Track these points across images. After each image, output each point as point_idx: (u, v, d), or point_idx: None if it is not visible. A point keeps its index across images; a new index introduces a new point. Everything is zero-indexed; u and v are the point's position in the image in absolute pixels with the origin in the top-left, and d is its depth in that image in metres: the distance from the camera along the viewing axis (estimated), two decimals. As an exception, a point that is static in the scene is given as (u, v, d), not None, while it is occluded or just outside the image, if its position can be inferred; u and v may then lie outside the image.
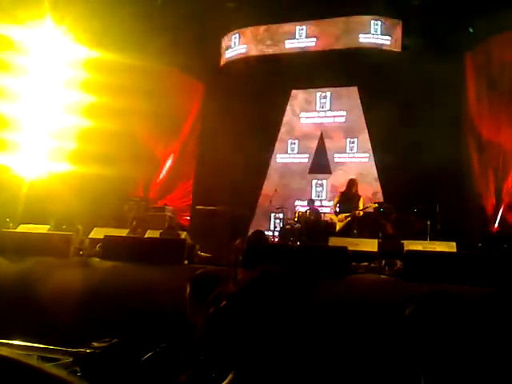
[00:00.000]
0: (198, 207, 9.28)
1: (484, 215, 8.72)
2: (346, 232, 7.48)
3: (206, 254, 6.69)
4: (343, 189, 8.20)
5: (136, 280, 5.11)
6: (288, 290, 1.12)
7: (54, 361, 3.16)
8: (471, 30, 9.35)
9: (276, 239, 9.01)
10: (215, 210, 8.97)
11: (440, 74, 8.66)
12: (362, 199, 7.83)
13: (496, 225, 8.42)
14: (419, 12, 9.43)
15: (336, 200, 8.01)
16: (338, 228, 7.69)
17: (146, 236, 6.78)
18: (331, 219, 8.31)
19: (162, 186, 10.95)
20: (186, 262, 5.97)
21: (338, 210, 7.82)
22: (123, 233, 6.68)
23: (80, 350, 2.45)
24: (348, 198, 7.77)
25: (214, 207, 9.03)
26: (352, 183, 7.91)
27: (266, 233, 9.55)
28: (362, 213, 7.63)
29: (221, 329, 1.16)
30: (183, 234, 6.82)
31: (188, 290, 2.53)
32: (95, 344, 2.48)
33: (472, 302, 1.49)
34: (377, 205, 7.73)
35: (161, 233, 6.69)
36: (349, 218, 7.58)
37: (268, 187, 11.19)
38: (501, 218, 8.39)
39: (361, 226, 7.75)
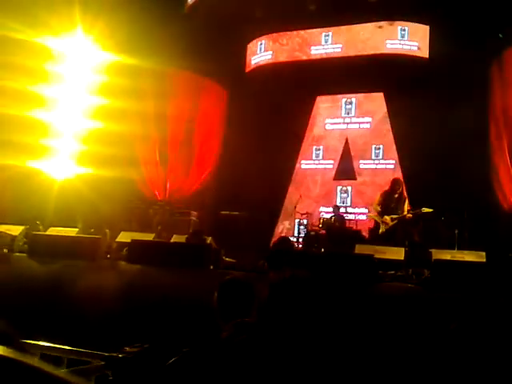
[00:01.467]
0: (222, 212, 9.31)
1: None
2: (391, 235, 6.93)
3: (231, 260, 6.69)
4: (367, 196, 7.87)
5: (162, 284, 5.13)
6: (315, 293, 1.11)
7: (84, 364, 3.19)
8: (501, 36, 9.17)
9: (300, 245, 8.96)
10: (239, 215, 8.98)
11: (467, 80, 8.54)
12: (407, 201, 7.17)
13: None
14: (447, 17, 9.30)
15: (378, 199, 7.26)
16: (381, 230, 7.12)
17: (172, 240, 6.82)
18: (371, 219, 7.59)
19: (188, 190, 11.02)
20: (212, 266, 5.97)
21: (380, 210, 7.16)
22: (149, 237, 6.73)
23: (112, 354, 2.47)
24: (392, 198, 7.13)
25: (239, 213, 9.05)
26: (396, 183, 7.23)
27: (291, 239, 9.53)
28: (411, 216, 6.98)
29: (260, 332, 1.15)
30: (209, 239, 6.83)
31: (216, 295, 2.54)
32: (127, 349, 2.50)
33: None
34: (431, 209, 6.94)
35: (187, 237, 6.72)
36: (395, 221, 7.00)
37: (292, 193, 11.17)
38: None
39: (415, 229, 7.26)
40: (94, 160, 9.14)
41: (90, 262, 5.46)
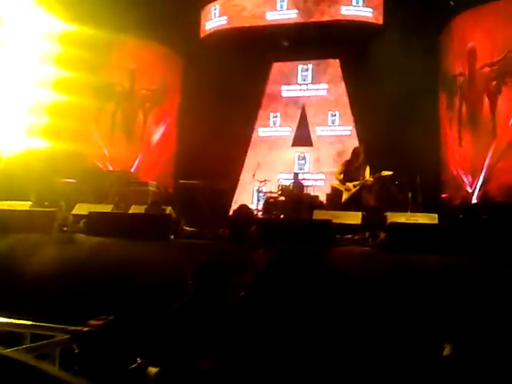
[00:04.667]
0: (180, 181, 9.20)
1: (462, 187, 8.89)
2: (354, 201, 7.09)
3: (192, 229, 6.67)
4: (324, 162, 7.98)
5: (122, 256, 5.07)
6: (313, 271, 1.10)
7: (48, 338, 3.13)
8: (452, 3, 9.33)
9: (260, 213, 9.02)
10: (198, 184, 8.91)
11: (419, 47, 8.67)
12: (368, 168, 7.30)
13: (475, 196, 8.61)
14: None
15: (340, 169, 7.45)
16: (344, 198, 7.24)
17: (131, 211, 6.71)
18: (336, 188, 7.69)
19: (145, 160, 10.82)
20: (172, 236, 5.95)
21: (342, 178, 7.34)
22: (107, 208, 6.59)
23: (76, 328, 2.43)
24: (353, 166, 7.27)
25: (197, 181, 8.97)
26: (357, 151, 7.41)
27: (250, 206, 9.57)
28: (373, 180, 7.16)
29: (240, 320, 1.14)
30: (168, 209, 6.77)
31: (190, 280, 2.60)
32: (92, 322, 2.46)
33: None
34: (391, 172, 7.14)
35: (146, 208, 6.63)
36: (357, 187, 7.15)
37: (250, 161, 11.16)
38: (480, 189, 8.57)
39: (376, 194, 7.39)
40: (46, 133, 8.77)
41: (46, 236, 5.30)
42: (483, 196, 8.45)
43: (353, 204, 7.05)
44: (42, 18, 9.11)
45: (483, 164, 8.53)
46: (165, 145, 11.30)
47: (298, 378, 1.02)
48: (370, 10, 10.54)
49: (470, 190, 8.75)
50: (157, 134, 11.25)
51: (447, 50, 9.59)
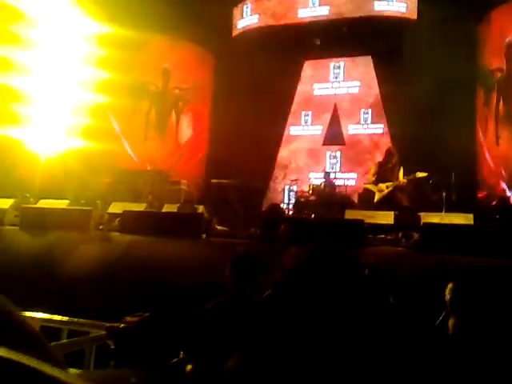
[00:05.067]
0: (212, 181, 9.30)
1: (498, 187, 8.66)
2: (387, 202, 7.02)
3: (223, 228, 6.73)
4: (356, 161, 7.92)
5: (156, 254, 5.17)
6: (346, 273, 1.10)
7: (84, 334, 3.24)
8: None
9: (290, 212, 9.02)
10: (229, 183, 8.98)
11: (455, 41, 8.47)
12: (401, 169, 7.22)
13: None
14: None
15: (374, 170, 7.42)
16: (377, 198, 7.19)
17: (164, 210, 6.82)
18: (368, 189, 7.68)
19: (177, 159, 10.98)
20: (204, 235, 6.01)
21: (374, 179, 7.28)
22: (141, 207, 6.71)
23: (113, 325, 2.50)
24: (387, 167, 7.22)
25: (229, 180, 9.04)
26: (391, 152, 7.40)
27: (281, 205, 9.57)
28: (406, 182, 7.09)
29: (265, 319, 1.15)
30: (200, 208, 6.85)
31: (228, 269, 2.60)
32: (128, 318, 2.53)
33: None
34: (425, 174, 7.04)
35: (178, 207, 6.73)
36: (390, 188, 7.11)
37: (282, 159, 11.16)
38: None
39: (409, 195, 7.32)
40: (82, 133, 9.02)
41: (83, 234, 5.45)
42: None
43: (385, 205, 6.98)
44: (79, 20, 9.34)
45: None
46: (197, 144, 11.44)
47: (324, 380, 1.03)
48: (404, 4, 10.36)
49: (507, 190, 8.50)
50: (189, 133, 11.39)
51: (484, 44, 9.34)
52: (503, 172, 8.64)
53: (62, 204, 6.36)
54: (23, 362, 0.47)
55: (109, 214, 6.34)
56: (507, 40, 8.76)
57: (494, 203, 8.59)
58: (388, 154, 7.38)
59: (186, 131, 11.36)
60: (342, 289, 1.07)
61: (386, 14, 10.38)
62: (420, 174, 6.98)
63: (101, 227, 5.80)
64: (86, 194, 6.80)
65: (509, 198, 8.45)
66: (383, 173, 7.19)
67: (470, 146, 9.03)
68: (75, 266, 4.65)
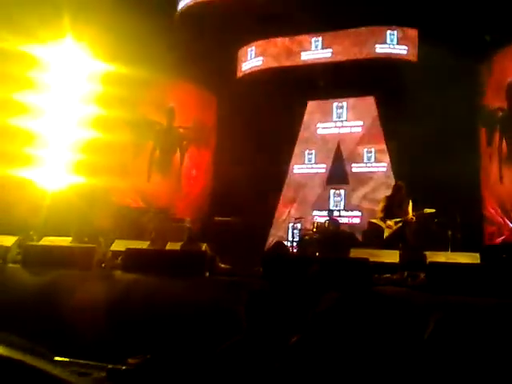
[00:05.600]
0: (216, 218, 9.29)
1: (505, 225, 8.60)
2: (397, 239, 6.97)
3: (227, 266, 6.67)
4: (359, 199, 7.89)
5: (159, 293, 5.10)
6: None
7: (85, 375, 3.14)
8: (487, 39, 9.28)
9: (295, 250, 8.96)
10: (233, 221, 8.97)
11: (456, 84, 8.62)
12: (410, 203, 7.19)
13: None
14: (436, 21, 9.38)
15: (382, 205, 7.36)
16: (386, 235, 7.12)
17: (167, 248, 6.78)
18: (377, 225, 7.45)
19: (181, 197, 11.01)
20: (207, 274, 5.95)
21: (383, 215, 7.24)
22: (144, 245, 6.68)
23: (114, 366, 2.44)
24: (394, 203, 7.21)
25: (232, 218, 9.03)
26: (397, 188, 7.37)
27: (285, 243, 9.51)
28: (414, 218, 7.04)
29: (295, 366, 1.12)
30: (203, 246, 6.81)
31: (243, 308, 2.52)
32: (130, 360, 2.47)
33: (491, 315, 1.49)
34: (433, 210, 7.02)
35: (182, 245, 6.69)
36: (399, 224, 7.05)
37: (286, 198, 11.18)
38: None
39: (415, 232, 7.23)
40: (86, 169, 9.09)
41: (85, 272, 5.40)
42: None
43: (395, 241, 6.92)
44: (85, 60, 9.58)
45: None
46: (201, 182, 11.50)
47: None
48: (405, 47, 10.60)
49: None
50: (193, 172, 11.47)
51: (485, 84, 9.50)
52: (509, 210, 8.61)
53: (64, 241, 6.35)
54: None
55: (112, 251, 6.31)
56: (509, 80, 8.91)
57: (499, 242, 8.53)
58: (396, 188, 7.40)
59: (189, 170, 11.45)
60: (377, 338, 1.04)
61: (387, 56, 10.60)
62: (428, 210, 6.95)
63: (103, 265, 5.75)
64: (89, 232, 6.78)
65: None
66: (391, 207, 7.16)
67: (474, 185, 9.04)
68: (77, 304, 4.58)
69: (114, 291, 5.04)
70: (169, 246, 6.86)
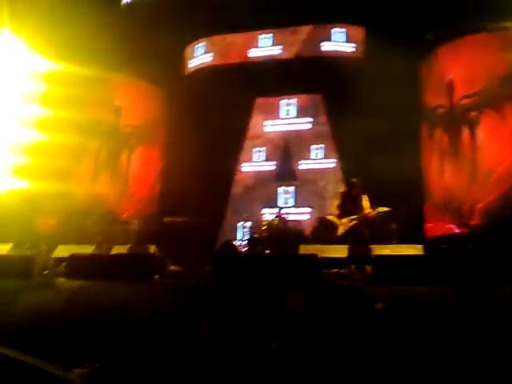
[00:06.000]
0: (165, 219, 9.14)
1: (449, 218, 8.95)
2: (351, 235, 7.12)
3: (177, 268, 6.60)
4: (308, 195, 7.89)
5: (105, 298, 4.96)
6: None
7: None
8: (429, 38, 9.59)
9: (244, 249, 8.96)
10: (183, 222, 8.85)
11: (400, 80, 8.85)
12: (366, 198, 7.32)
13: (458, 226, 8.66)
14: (381, 19, 9.60)
15: (337, 202, 7.44)
16: (340, 232, 7.26)
17: (114, 252, 6.63)
18: (333, 222, 7.60)
19: (129, 198, 10.76)
20: (157, 276, 5.86)
21: (338, 212, 7.35)
22: (89, 249, 6.50)
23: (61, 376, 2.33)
24: (349, 199, 7.34)
25: (182, 218, 8.92)
26: (352, 184, 7.49)
27: (235, 242, 9.50)
28: (370, 215, 7.19)
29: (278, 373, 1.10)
30: (152, 248, 6.71)
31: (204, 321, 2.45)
32: (76, 370, 2.38)
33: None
34: (388, 208, 7.18)
35: (129, 248, 6.56)
36: (354, 221, 7.21)
37: (234, 196, 11.16)
38: (462, 219, 8.62)
39: (368, 228, 7.37)
40: (27, 173, 8.72)
41: (25, 281, 5.18)
42: (465, 226, 8.51)
43: (349, 238, 7.06)
44: (27, 57, 9.18)
45: (465, 194, 8.62)
46: (149, 182, 11.27)
47: None
48: (353, 45, 10.78)
49: (451, 221, 8.81)
50: (141, 171, 11.22)
51: (426, 82, 9.81)
52: (448, 203, 8.96)
53: (4, 249, 6.06)
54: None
55: (55, 258, 6.09)
56: (448, 78, 9.24)
57: (440, 233, 8.88)
58: (350, 184, 7.54)
59: (137, 169, 11.19)
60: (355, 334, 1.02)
61: (334, 54, 10.76)
62: (382, 209, 7.12)
63: (44, 273, 5.54)
64: (30, 238, 6.51)
65: (454, 228, 8.74)
66: (346, 204, 7.27)
67: (416, 179, 9.34)
68: (17, 315, 4.39)
69: (57, 300, 4.86)
70: (116, 250, 6.72)
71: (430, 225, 9.23)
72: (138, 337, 4.30)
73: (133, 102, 11.04)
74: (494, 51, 8.42)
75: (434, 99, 9.46)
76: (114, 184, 10.65)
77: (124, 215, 9.58)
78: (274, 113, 11.67)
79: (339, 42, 10.76)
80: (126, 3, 10.69)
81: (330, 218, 7.75)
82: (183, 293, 5.47)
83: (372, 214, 7.20)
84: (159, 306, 4.91)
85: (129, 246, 6.72)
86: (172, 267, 6.56)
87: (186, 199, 9.43)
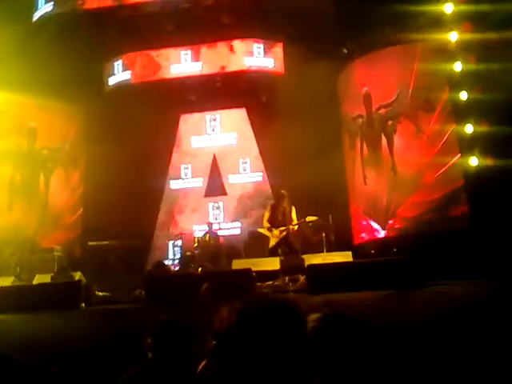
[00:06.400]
0: (90, 243, 8.71)
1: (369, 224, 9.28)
2: (282, 247, 7.22)
3: (104, 293, 6.30)
4: (238, 209, 7.97)
5: (29, 333, 4.62)
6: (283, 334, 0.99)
7: None
8: (345, 51, 10.00)
9: (176, 268, 8.77)
10: (109, 245, 8.50)
11: (322, 92, 9.14)
12: (294, 210, 7.44)
13: (383, 231, 9.00)
14: (298, 34, 9.88)
15: (267, 215, 7.51)
16: (271, 244, 7.32)
17: (35, 282, 6.21)
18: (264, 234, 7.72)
19: (49, 224, 10.15)
20: (83, 304, 5.58)
21: (269, 225, 7.41)
22: (8, 281, 6.05)
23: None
24: (278, 212, 7.40)
25: (108, 241, 8.56)
26: (280, 197, 7.56)
27: (166, 262, 9.27)
28: (296, 226, 7.31)
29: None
30: (77, 275, 6.36)
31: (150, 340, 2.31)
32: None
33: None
34: (315, 217, 7.26)
35: (52, 276, 6.18)
36: (284, 233, 7.27)
37: (164, 214, 10.92)
38: (386, 224, 8.98)
39: (299, 238, 7.53)
40: None
41: None
42: (390, 230, 8.88)
43: (281, 249, 7.15)
44: None
45: (387, 200, 9.00)
46: (70, 205, 10.71)
47: None
48: (272, 60, 11.00)
49: (377, 226, 9.15)
50: (61, 195, 10.65)
51: (345, 93, 10.19)
52: (372, 210, 9.31)
53: None
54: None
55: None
56: (364, 89, 9.65)
57: (368, 239, 9.20)
58: (279, 197, 7.63)
59: (57, 194, 10.59)
60: (282, 351, 0.96)
61: (255, 69, 10.92)
62: (310, 218, 7.25)
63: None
64: None
65: (379, 233, 9.08)
66: (276, 216, 7.35)
67: (342, 188, 9.64)
68: None
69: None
70: (37, 280, 6.33)
71: (357, 231, 9.53)
72: (70, 369, 4.00)
73: (49, 123, 10.51)
74: (405, 62, 8.93)
75: (354, 109, 9.84)
76: (32, 210, 10.01)
77: (45, 242, 9.02)
78: (200, 128, 11.63)
79: (259, 56, 10.94)
80: (38, 19, 10.23)
81: (260, 230, 7.80)
82: (112, 319, 5.23)
83: (301, 223, 7.33)
84: (88, 334, 4.65)
85: (51, 274, 6.32)
86: (99, 293, 6.25)
87: (111, 221, 9.05)
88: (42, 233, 9.74)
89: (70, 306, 5.42)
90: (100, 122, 10.43)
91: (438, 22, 8.32)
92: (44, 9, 10.47)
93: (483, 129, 7.62)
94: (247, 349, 1.01)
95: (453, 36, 8.14)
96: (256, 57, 10.95)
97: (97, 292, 6.15)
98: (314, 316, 1.44)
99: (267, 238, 7.53)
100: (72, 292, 5.62)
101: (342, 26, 9.22)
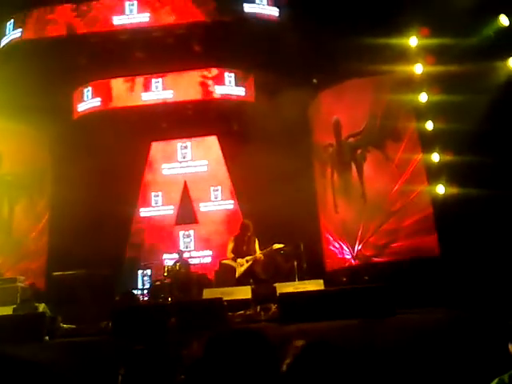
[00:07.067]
0: (54, 274, 8.42)
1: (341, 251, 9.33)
2: (248, 276, 7.17)
3: (70, 325, 6.07)
4: (209, 238, 7.92)
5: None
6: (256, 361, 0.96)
7: None
8: (315, 81, 10.21)
9: (146, 298, 8.55)
10: (75, 275, 8.23)
11: (292, 121, 9.26)
12: (256, 241, 7.45)
13: (354, 259, 9.06)
14: (269, 64, 10.04)
15: (231, 245, 7.46)
16: (238, 274, 7.25)
17: (-4, 314, 5.94)
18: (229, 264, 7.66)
19: (12, 254, 9.79)
20: (47, 337, 5.37)
21: (233, 255, 7.38)
22: (-35, 315, 5.76)
23: None
24: (243, 241, 7.37)
25: (74, 271, 8.29)
26: (245, 227, 7.53)
27: (135, 292, 9.05)
28: (262, 256, 7.27)
29: None
30: (41, 307, 6.13)
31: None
32: None
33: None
34: (282, 245, 7.27)
35: (14, 308, 5.94)
36: (250, 262, 7.22)
37: (133, 243, 10.72)
38: (357, 252, 9.04)
39: (264, 267, 7.47)
40: None
41: None
42: (361, 258, 8.94)
43: (247, 279, 7.09)
44: None
45: (357, 228, 9.08)
46: (35, 234, 10.38)
47: None
48: (243, 88, 11.12)
49: (348, 254, 9.21)
50: (25, 224, 10.33)
51: (315, 122, 10.37)
52: (343, 237, 9.37)
53: None
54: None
55: None
56: (334, 118, 9.84)
57: (339, 267, 9.23)
58: (243, 227, 7.58)
59: (22, 221, 10.28)
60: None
61: (226, 97, 11.02)
62: (277, 246, 7.24)
63: None
64: None
65: (351, 261, 9.13)
66: (240, 246, 7.31)
67: (313, 216, 9.69)
68: None
69: None
70: (-1, 312, 6.03)
71: (329, 259, 9.56)
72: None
73: (16, 148, 10.28)
74: (372, 93, 9.18)
75: (324, 138, 10.00)
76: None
77: (7, 272, 8.69)
78: (171, 156, 11.58)
79: (230, 85, 11.05)
80: (4, 46, 10.13)
81: (225, 262, 7.79)
82: (77, 352, 5.04)
83: (267, 252, 7.32)
84: (52, 368, 4.44)
85: (14, 306, 6.08)
86: (64, 326, 6.03)
87: (78, 251, 8.78)
88: (4, 262, 9.39)
89: (34, 338, 5.23)
90: (68, 148, 10.26)
91: (404, 55, 8.61)
92: (12, 35, 10.39)
93: (449, 158, 7.84)
94: (215, 380, 0.98)
95: (418, 68, 8.42)
96: (227, 85, 11.06)
97: (62, 324, 5.93)
98: (298, 342, 1.42)
99: (234, 268, 7.50)
100: (36, 324, 5.42)
101: (309, 57, 9.44)
